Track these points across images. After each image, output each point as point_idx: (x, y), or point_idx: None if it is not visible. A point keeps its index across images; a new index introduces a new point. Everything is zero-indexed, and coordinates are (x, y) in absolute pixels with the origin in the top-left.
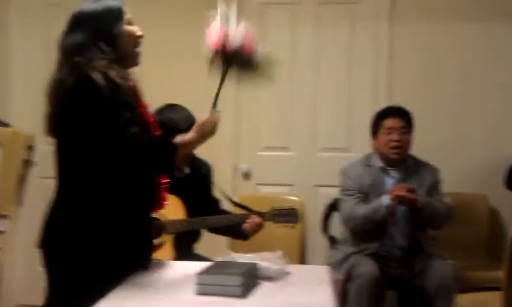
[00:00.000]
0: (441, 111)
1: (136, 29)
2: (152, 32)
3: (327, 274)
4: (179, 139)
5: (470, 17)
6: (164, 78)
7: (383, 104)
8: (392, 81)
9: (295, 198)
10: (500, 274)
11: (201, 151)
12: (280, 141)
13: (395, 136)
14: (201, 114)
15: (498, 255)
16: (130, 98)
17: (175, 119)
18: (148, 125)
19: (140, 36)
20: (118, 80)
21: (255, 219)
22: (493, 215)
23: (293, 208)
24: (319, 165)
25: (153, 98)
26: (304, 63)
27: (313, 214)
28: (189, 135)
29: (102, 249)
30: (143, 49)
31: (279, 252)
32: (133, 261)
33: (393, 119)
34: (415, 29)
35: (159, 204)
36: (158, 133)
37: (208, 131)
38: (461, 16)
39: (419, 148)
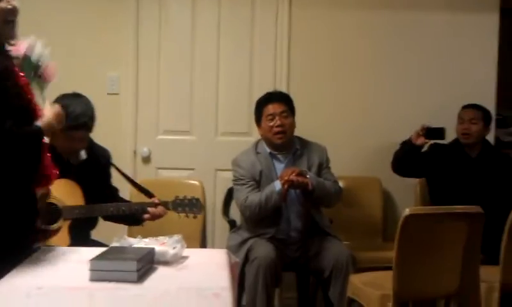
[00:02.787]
0: (338, 96)
1: (4, 3)
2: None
3: (225, 258)
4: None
5: (368, 5)
6: None
7: (283, 88)
8: (291, 65)
9: (195, 182)
10: (392, 254)
11: (99, 135)
12: (181, 125)
13: (276, 121)
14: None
15: (391, 236)
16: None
17: (70, 108)
18: (26, 106)
19: (11, 9)
20: None
21: (156, 210)
22: (386, 198)
23: (196, 198)
24: (220, 149)
25: None
26: (204, 47)
27: (214, 198)
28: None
29: None
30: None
31: (177, 237)
32: (17, 244)
33: (274, 104)
34: (313, 13)
35: (44, 181)
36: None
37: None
38: (359, 3)
39: (316, 133)
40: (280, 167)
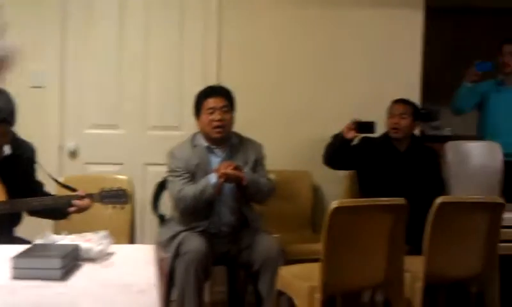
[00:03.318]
0: (268, 92)
1: None
2: None
3: (152, 253)
4: None
5: (298, 2)
6: None
7: (212, 83)
8: (221, 59)
9: (124, 177)
10: (320, 246)
11: (24, 129)
12: (109, 119)
13: (216, 116)
14: None
15: (320, 228)
16: None
17: None
18: None
19: None
20: None
21: (81, 202)
22: (316, 191)
23: (122, 189)
24: (149, 144)
25: None
26: (133, 40)
27: (143, 193)
28: None
29: None
30: None
31: (103, 233)
32: None
33: (215, 98)
34: (242, 7)
35: None
36: None
37: None
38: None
39: (246, 126)
40: (216, 161)
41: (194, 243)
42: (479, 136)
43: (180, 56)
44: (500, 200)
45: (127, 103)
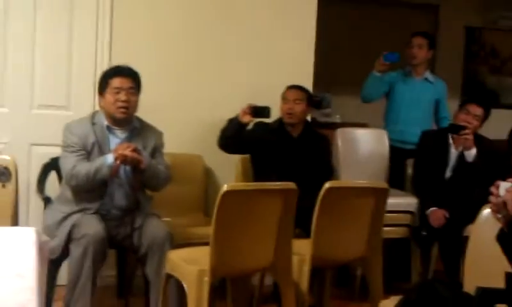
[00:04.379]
0: (160, 71)
1: None
2: None
3: (34, 236)
4: None
5: None
6: None
7: (103, 62)
8: (114, 38)
9: (7, 157)
10: (210, 230)
11: None
12: None
13: (122, 96)
14: None
15: (212, 212)
16: None
17: None
18: None
19: None
20: None
21: None
22: (208, 175)
23: (4, 167)
24: (35, 123)
25: None
26: (19, 15)
27: (28, 174)
28: None
29: None
30: None
31: None
32: None
33: (122, 79)
34: None
35: None
36: None
37: None
38: None
39: (138, 111)
40: (115, 141)
41: (91, 226)
42: (385, 124)
43: (69, 34)
44: (385, 185)
45: (11, 80)
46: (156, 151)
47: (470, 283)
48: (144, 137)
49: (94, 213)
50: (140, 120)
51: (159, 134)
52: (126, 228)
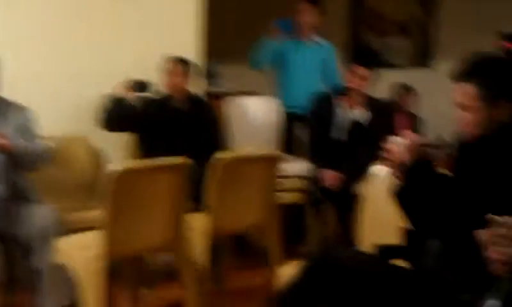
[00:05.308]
0: (37, 53)
1: None
2: None
3: None
4: None
5: None
6: None
7: None
8: None
9: None
10: (99, 213)
11: None
12: None
13: None
14: None
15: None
16: None
17: None
18: None
19: None
20: None
21: None
22: (93, 156)
23: None
24: None
25: None
26: None
27: None
28: None
29: None
30: None
31: None
32: None
33: None
34: None
35: None
36: None
37: None
38: None
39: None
40: None
41: None
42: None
43: None
44: (276, 153)
45: None
46: (24, 129)
47: (367, 241)
48: (8, 118)
49: None
50: (1, 99)
51: (25, 111)
52: (8, 217)
